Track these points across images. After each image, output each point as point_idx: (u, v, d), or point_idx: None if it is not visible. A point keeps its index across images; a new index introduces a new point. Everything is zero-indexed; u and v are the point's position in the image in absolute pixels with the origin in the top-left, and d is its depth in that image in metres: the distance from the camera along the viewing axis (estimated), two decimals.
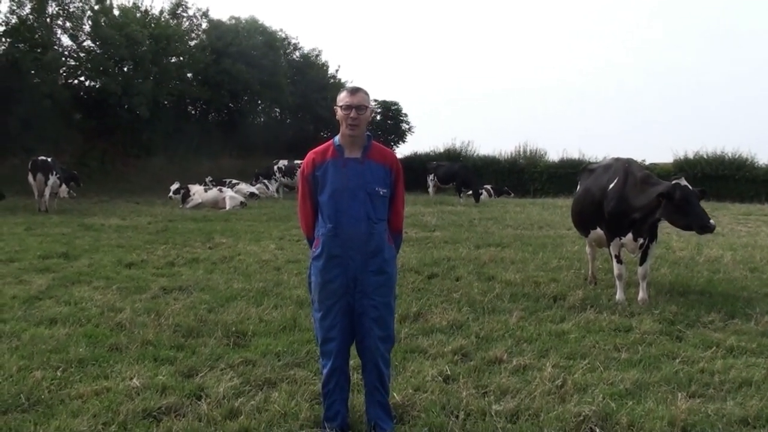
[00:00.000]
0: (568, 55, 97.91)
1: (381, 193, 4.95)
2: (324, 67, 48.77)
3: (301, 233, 5.52)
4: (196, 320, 7.87)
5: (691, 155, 37.19)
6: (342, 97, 4.94)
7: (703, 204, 8.60)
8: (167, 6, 39.03)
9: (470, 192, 30.19)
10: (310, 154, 5.10)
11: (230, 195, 24.65)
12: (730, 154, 36.37)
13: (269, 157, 36.36)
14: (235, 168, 38.10)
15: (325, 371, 5.03)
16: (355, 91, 4.95)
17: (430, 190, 31.11)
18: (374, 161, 4.98)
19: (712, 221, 8.36)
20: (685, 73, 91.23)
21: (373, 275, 4.93)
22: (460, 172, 30.22)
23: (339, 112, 4.93)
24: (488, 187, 33.72)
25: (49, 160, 21.91)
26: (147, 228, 17.21)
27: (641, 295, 9.29)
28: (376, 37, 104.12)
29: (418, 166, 35.77)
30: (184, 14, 39.87)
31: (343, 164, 4.93)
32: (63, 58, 33.95)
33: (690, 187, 8.50)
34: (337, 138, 5.05)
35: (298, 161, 30.06)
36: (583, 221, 10.32)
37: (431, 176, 30.91)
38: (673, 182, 8.59)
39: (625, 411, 5.36)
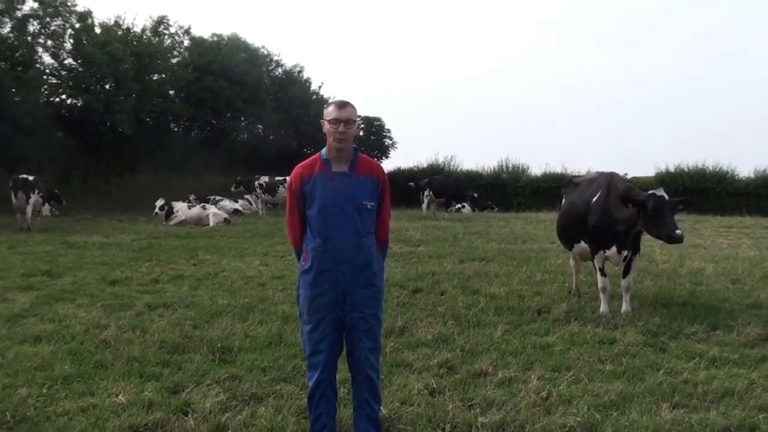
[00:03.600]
0: (550, 69, 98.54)
1: (369, 206, 4.98)
2: (307, 83, 48.84)
3: (286, 249, 5.56)
4: (182, 336, 7.86)
5: (672, 168, 37.52)
6: (330, 111, 4.96)
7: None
8: (149, 24, 38.83)
9: (458, 206, 30.22)
10: (297, 169, 5.11)
11: (214, 212, 24.63)
12: (711, 167, 36.68)
13: (253, 173, 36.31)
14: (219, 184, 37.97)
15: (311, 383, 5.02)
16: (343, 105, 4.97)
17: (424, 205, 30.76)
18: (362, 175, 5.00)
19: (678, 231, 8.35)
20: (667, 87, 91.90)
21: (363, 288, 4.96)
22: (451, 186, 30.27)
23: (326, 126, 4.94)
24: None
25: (31, 178, 21.78)
26: (131, 245, 17.14)
27: (624, 307, 9.36)
28: (359, 54, 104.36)
29: (402, 180, 35.73)
30: (166, 32, 39.73)
31: (331, 178, 4.95)
32: (44, 76, 33.75)
33: (666, 198, 8.57)
34: (323, 151, 5.07)
35: (279, 177, 30.05)
36: (568, 235, 10.38)
37: (426, 191, 30.54)
38: (650, 192, 8.69)
39: (609, 422, 5.42)
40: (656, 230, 8.58)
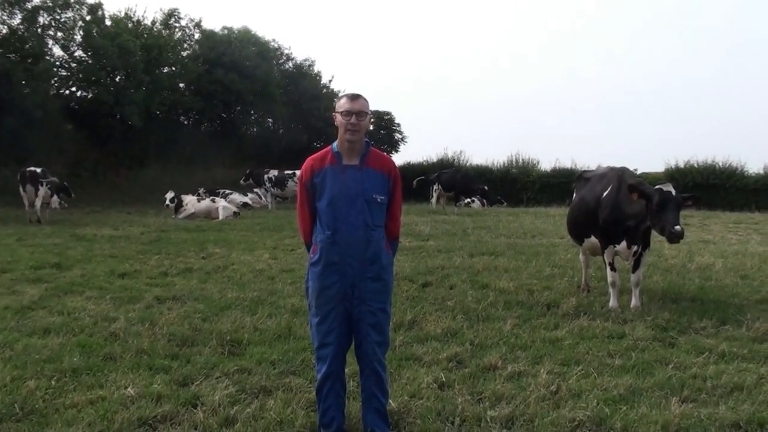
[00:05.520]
0: (560, 64, 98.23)
1: (379, 200, 4.97)
2: (317, 77, 48.71)
3: (295, 242, 5.55)
4: (191, 329, 7.87)
5: (681, 164, 37.31)
6: (342, 103, 4.95)
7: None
8: (159, 16, 38.81)
9: (467, 201, 30.04)
10: (308, 161, 5.11)
11: (223, 205, 24.61)
12: (720, 163, 36.49)
13: (262, 167, 36.32)
14: (228, 178, 37.97)
15: (319, 376, 5.04)
16: (355, 97, 4.97)
17: (433, 199, 30.57)
18: (373, 168, 5.00)
19: (678, 227, 8.28)
20: (677, 82, 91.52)
21: (371, 282, 4.95)
22: (460, 180, 30.16)
23: (338, 118, 4.94)
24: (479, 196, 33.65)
25: (38, 170, 21.80)
26: (140, 238, 17.18)
27: (634, 302, 9.33)
28: (369, 48, 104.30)
29: (411, 175, 35.60)
30: (177, 24, 39.68)
31: (342, 171, 4.94)
32: (54, 69, 33.78)
33: (672, 193, 8.51)
34: (335, 144, 5.06)
35: (289, 171, 30.00)
36: (578, 229, 10.35)
37: (435, 185, 30.32)
38: (657, 187, 8.65)
39: (619, 416, 5.40)
40: (658, 225, 8.55)
